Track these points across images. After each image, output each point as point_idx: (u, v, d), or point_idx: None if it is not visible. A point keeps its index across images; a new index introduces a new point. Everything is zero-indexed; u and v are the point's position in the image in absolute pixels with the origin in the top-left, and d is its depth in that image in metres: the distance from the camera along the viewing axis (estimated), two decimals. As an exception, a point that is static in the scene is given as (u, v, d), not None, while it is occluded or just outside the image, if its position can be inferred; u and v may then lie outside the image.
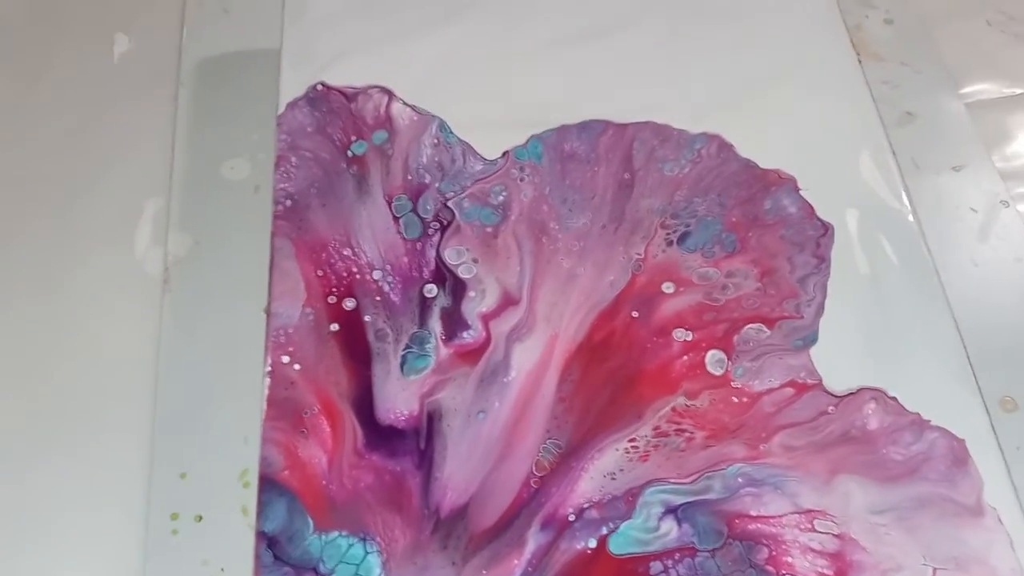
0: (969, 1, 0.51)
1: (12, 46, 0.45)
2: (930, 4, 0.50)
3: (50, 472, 0.35)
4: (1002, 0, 0.51)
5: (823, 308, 0.34)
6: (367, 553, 0.29)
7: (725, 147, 0.38)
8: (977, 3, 0.51)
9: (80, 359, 0.38)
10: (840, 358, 0.33)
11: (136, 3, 0.48)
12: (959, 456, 0.31)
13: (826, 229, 0.36)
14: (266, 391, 0.32)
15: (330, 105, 0.38)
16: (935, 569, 0.29)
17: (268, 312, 0.34)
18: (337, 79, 0.39)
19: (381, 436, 0.31)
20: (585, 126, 0.38)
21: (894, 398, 0.32)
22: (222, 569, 0.33)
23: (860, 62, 0.44)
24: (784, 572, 0.29)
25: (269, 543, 0.29)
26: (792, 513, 0.30)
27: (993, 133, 0.46)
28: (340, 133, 0.38)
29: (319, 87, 0.39)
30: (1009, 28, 0.50)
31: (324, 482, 0.30)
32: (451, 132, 0.38)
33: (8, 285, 0.40)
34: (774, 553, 0.29)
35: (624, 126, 0.38)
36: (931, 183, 0.44)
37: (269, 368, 0.32)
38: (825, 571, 0.29)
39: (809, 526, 0.30)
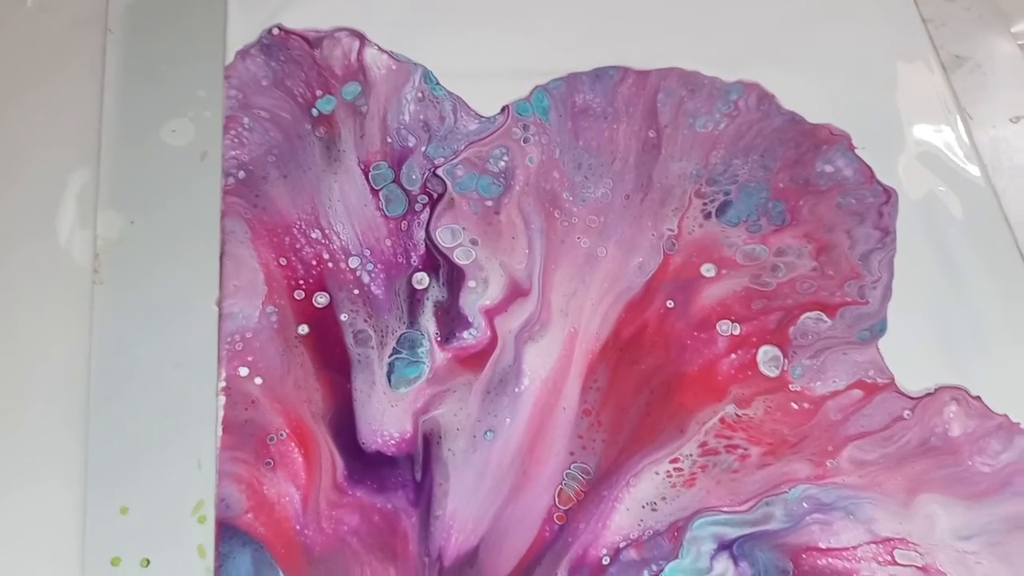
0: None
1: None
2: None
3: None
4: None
5: (891, 291, 0.29)
6: (355, 616, 0.23)
7: (766, 98, 0.32)
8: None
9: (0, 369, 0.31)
10: (912, 351, 0.28)
11: (51, -67, 0.40)
12: (1058, 466, 0.26)
13: (889, 195, 0.30)
14: (221, 412, 0.26)
15: (289, 53, 0.32)
16: (1039, 605, 0.25)
17: (220, 308, 0.27)
18: (297, 21, 0.32)
19: (367, 465, 0.25)
20: (599, 74, 0.32)
21: (978, 397, 0.27)
22: (177, 629, 0.27)
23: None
24: (864, 617, 0.24)
25: (231, 608, 0.23)
26: (869, 543, 0.25)
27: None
28: (302, 87, 0.31)
29: (275, 31, 0.32)
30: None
31: (298, 527, 0.24)
32: (438, 84, 0.31)
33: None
34: (851, 595, 0.24)
35: (646, 73, 0.32)
36: (988, 136, 0.38)
37: (223, 384, 0.26)
38: (912, 614, 0.24)
39: (889, 558, 0.25)
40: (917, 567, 0.25)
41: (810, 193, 0.30)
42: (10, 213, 0.34)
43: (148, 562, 0.28)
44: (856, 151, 0.31)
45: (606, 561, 0.24)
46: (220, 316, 0.27)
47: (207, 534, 0.28)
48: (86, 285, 0.33)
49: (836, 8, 0.34)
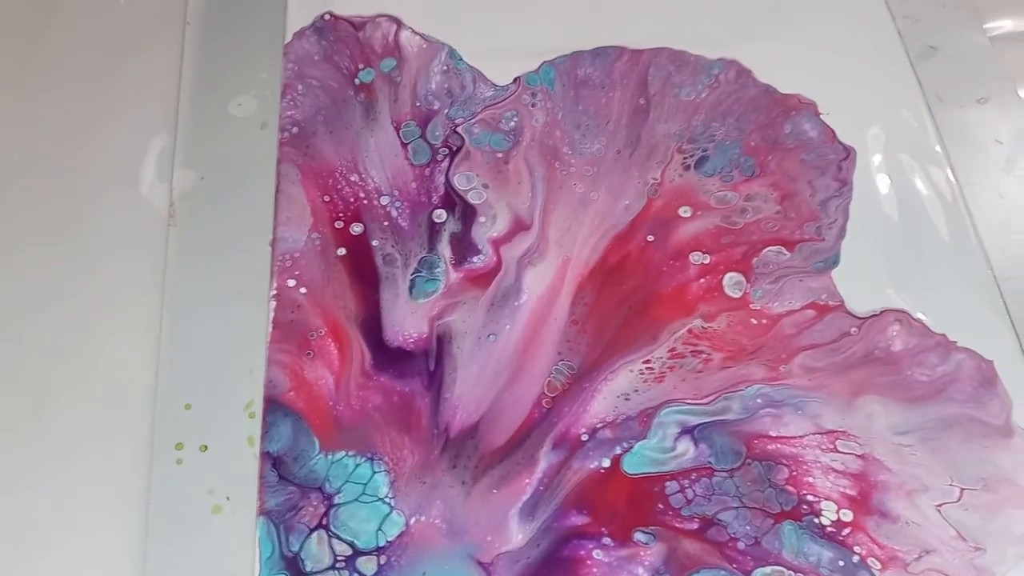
0: (996, -65, 0.49)
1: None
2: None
3: (55, 401, 0.35)
4: (1030, -66, 0.49)
5: (845, 231, 0.33)
6: (374, 472, 0.28)
7: (743, 72, 0.37)
8: (1004, -63, 0.49)
9: (87, 293, 0.37)
10: (863, 281, 0.32)
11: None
12: (987, 377, 0.30)
13: (848, 152, 0.35)
14: (271, 314, 0.31)
15: (337, 34, 0.38)
16: (962, 490, 0.28)
17: (273, 244, 0.33)
18: (345, 9, 0.38)
19: (389, 358, 0.30)
20: (599, 52, 0.37)
21: (919, 320, 0.31)
22: (228, 498, 0.32)
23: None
24: (805, 492, 0.28)
25: (274, 463, 0.29)
26: (813, 434, 0.29)
27: (1019, 66, 0.45)
28: (347, 61, 0.37)
29: (326, 17, 0.38)
30: (1037, -38, 0.48)
31: (331, 403, 0.29)
32: (461, 59, 0.37)
33: (19, 222, 0.39)
34: (794, 473, 0.28)
35: (639, 52, 0.37)
36: (955, 116, 0.42)
37: (275, 292, 0.32)
38: (848, 491, 0.28)
39: (831, 447, 0.29)
40: (856, 455, 0.29)
41: (778, 150, 0.35)
42: (103, 167, 0.41)
43: (206, 447, 0.33)
44: (821, 116, 0.36)
45: (584, 438, 0.29)
46: (274, 240, 0.33)
47: (256, 427, 0.33)
48: (162, 228, 0.39)
49: (812, -1, 0.39)
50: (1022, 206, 0.40)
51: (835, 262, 0.32)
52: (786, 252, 0.32)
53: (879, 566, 0.27)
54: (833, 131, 0.35)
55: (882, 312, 0.31)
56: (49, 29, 0.46)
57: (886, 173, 0.35)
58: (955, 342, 0.31)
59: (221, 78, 0.43)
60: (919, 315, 0.31)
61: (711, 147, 0.35)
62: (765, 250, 0.32)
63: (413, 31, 0.38)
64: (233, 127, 0.42)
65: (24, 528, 0.33)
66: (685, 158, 0.35)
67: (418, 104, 0.36)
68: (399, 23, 0.38)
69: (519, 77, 0.36)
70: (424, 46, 0.37)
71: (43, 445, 0.34)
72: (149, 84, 0.43)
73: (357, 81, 0.37)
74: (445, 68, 0.37)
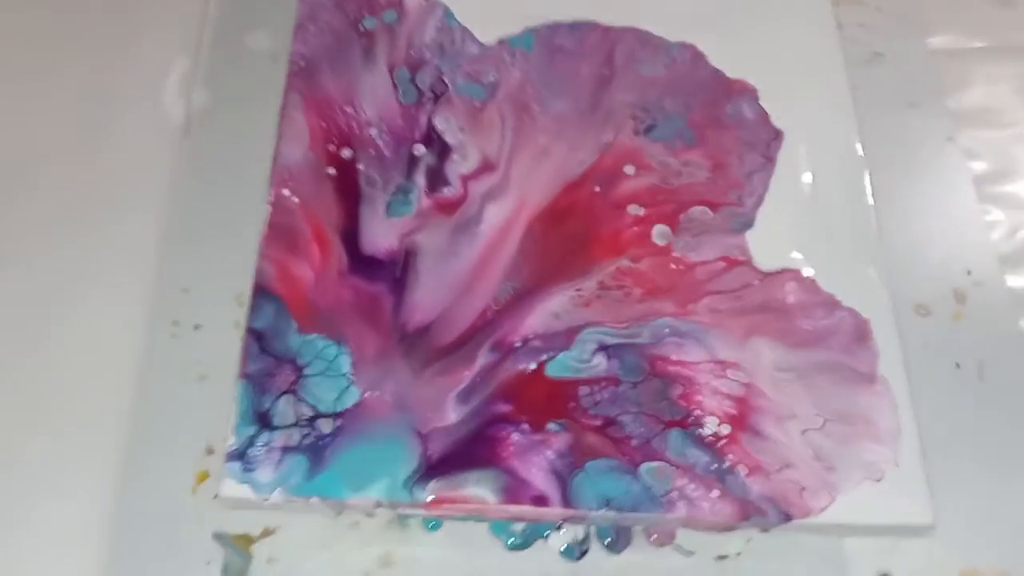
0: (952, -40, 0.54)
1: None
2: (915, -42, 0.54)
3: (70, 270, 0.40)
4: (984, -37, 0.54)
5: (763, 200, 0.39)
6: (339, 353, 0.34)
7: (698, 56, 0.42)
8: (959, -37, 0.54)
9: (108, 188, 0.43)
10: (771, 243, 0.38)
11: None
12: (862, 333, 0.36)
13: (777, 135, 0.40)
14: (267, 217, 0.37)
15: (348, -17, 0.43)
16: (825, 420, 0.34)
17: (276, 148, 0.38)
18: (356, -39, 0.43)
19: (363, 264, 0.36)
20: (576, 25, 0.42)
21: (813, 280, 0.37)
22: (213, 368, 0.38)
23: (836, 2, 0.48)
24: (694, 407, 0.34)
25: (257, 337, 0.34)
26: (708, 362, 0.35)
27: (952, 79, 0.50)
28: (355, 9, 0.42)
29: (339, -33, 0.43)
30: (985, -11, 0.53)
31: (309, 294, 0.35)
32: (454, 18, 0.42)
33: (54, 126, 0.45)
34: (687, 391, 0.34)
35: (611, 29, 0.42)
36: (888, 114, 0.48)
37: (271, 198, 0.37)
38: (730, 410, 0.34)
39: (722, 373, 0.35)
40: (742, 383, 0.35)
41: (718, 127, 0.40)
42: (129, 83, 0.46)
43: (198, 327, 0.39)
44: (759, 102, 0.41)
45: (518, 345, 0.34)
46: (276, 154, 0.38)
47: (243, 314, 0.39)
48: (178, 138, 0.44)
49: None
50: (925, 199, 0.46)
51: (749, 225, 0.38)
52: (710, 212, 0.38)
53: (746, 472, 0.33)
54: (768, 115, 0.41)
55: (782, 271, 0.37)
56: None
57: (806, 156, 0.40)
58: (840, 301, 0.36)
59: (240, 13, 0.48)
60: (813, 276, 0.37)
61: (660, 117, 0.40)
62: (692, 208, 0.38)
63: (415, -11, 0.43)
64: (247, 57, 0.47)
65: (33, 379, 0.39)
66: (637, 124, 0.40)
67: (412, 53, 0.41)
68: (403, -20, 0.43)
69: (503, 39, 0.42)
70: (423, 3, 0.42)
71: (56, 308, 0.40)
72: (175, 12, 0.48)
73: (361, 27, 0.42)
74: (439, 25, 0.42)
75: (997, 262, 0.45)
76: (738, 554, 0.37)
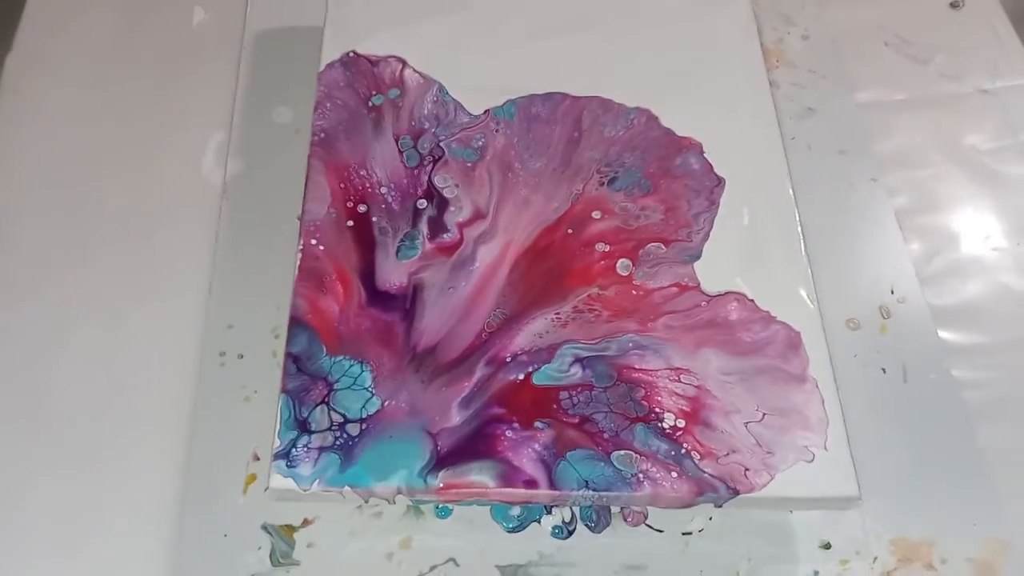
0: (873, 25, 0.63)
1: (115, 15, 0.58)
2: (840, 25, 0.63)
3: (133, 313, 0.48)
4: (900, 26, 0.63)
5: (708, 236, 0.46)
6: (362, 371, 0.41)
7: (652, 119, 0.50)
8: (879, 27, 0.63)
9: (159, 245, 0.51)
10: (716, 271, 0.45)
11: (210, -16, 0.61)
12: (794, 342, 0.43)
13: (719, 181, 0.48)
14: (298, 262, 0.44)
15: (358, 68, 0.51)
16: (764, 414, 0.41)
17: (300, 218, 0.46)
18: (365, 49, 0.52)
19: (379, 298, 0.43)
20: (549, 96, 0.51)
21: (752, 300, 0.44)
22: (256, 391, 0.45)
23: (776, 66, 0.57)
24: (654, 406, 0.41)
25: (294, 360, 0.42)
26: (665, 369, 0.42)
27: (876, 128, 0.59)
28: (364, 88, 0.50)
29: (351, 54, 0.51)
30: (901, 49, 0.62)
31: (336, 323, 0.42)
32: (447, 93, 0.50)
33: (110, 194, 0.53)
34: (649, 393, 0.41)
35: (578, 98, 0.51)
36: (820, 160, 0.56)
37: (301, 247, 0.45)
38: (684, 408, 0.41)
39: (676, 378, 0.42)
40: (694, 386, 0.42)
41: (669, 176, 0.48)
42: (174, 155, 0.54)
43: (242, 356, 0.47)
44: (704, 154, 0.49)
45: (508, 360, 0.42)
46: (303, 212, 0.46)
47: (279, 346, 0.47)
48: (217, 198, 0.52)
49: (709, 67, 0.53)
50: (852, 231, 0.54)
51: (697, 257, 0.46)
52: (664, 247, 0.46)
53: (699, 457, 0.40)
54: (711, 165, 0.49)
55: (726, 293, 0.45)
56: (134, 46, 0.59)
57: (745, 198, 0.48)
58: (775, 317, 0.44)
59: (267, 93, 0.57)
60: (752, 297, 0.45)
61: (621, 171, 0.48)
62: (649, 245, 0.46)
63: (414, 70, 0.51)
64: (273, 130, 0.55)
65: (107, 402, 0.46)
66: (601, 177, 0.48)
67: (413, 123, 0.49)
68: (404, 63, 0.51)
69: (488, 109, 0.50)
70: (421, 81, 0.51)
71: (122, 346, 0.47)
72: (211, 93, 0.57)
73: (370, 103, 0.50)
74: (435, 99, 0.50)
75: (917, 282, 0.53)
76: (700, 530, 0.44)
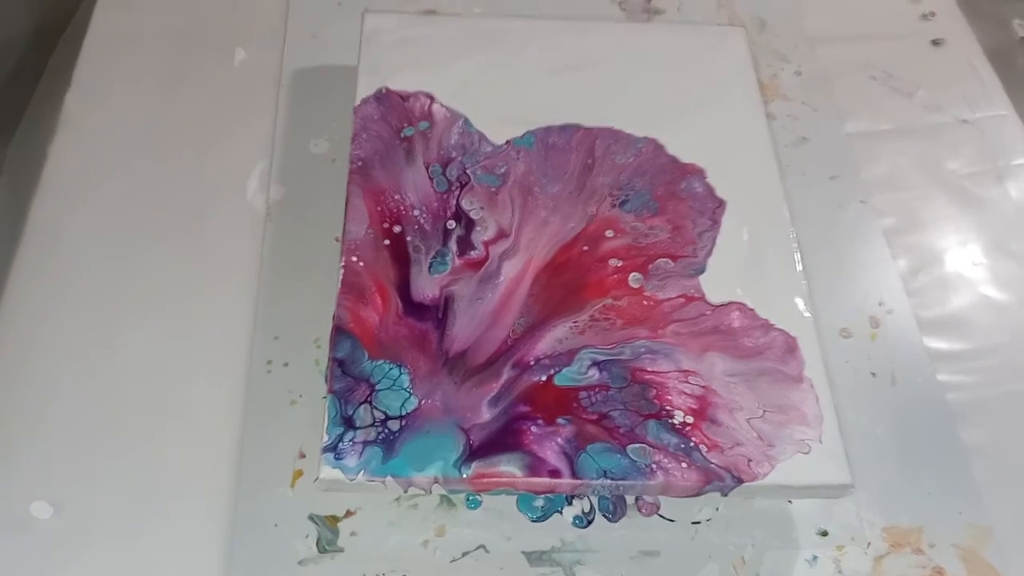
0: (860, 62, 0.69)
1: (166, 56, 0.64)
2: (831, 62, 0.68)
3: (188, 326, 0.52)
4: (886, 62, 0.69)
5: (712, 252, 0.51)
6: (401, 374, 0.46)
7: (659, 147, 0.55)
8: (866, 63, 0.68)
9: (209, 266, 0.55)
10: (719, 284, 0.50)
11: (251, 27, 0.66)
12: (791, 347, 0.48)
13: (720, 203, 0.53)
14: (341, 277, 0.49)
15: (391, 102, 0.56)
16: (765, 411, 0.46)
17: (341, 238, 0.51)
18: (396, 86, 0.57)
19: (414, 309, 0.48)
20: (564, 127, 0.56)
21: (752, 309, 0.49)
22: (300, 395, 0.50)
23: (771, 99, 0.62)
24: (665, 404, 0.45)
25: (339, 364, 0.46)
26: (674, 371, 0.47)
27: (865, 156, 0.64)
28: (396, 121, 0.55)
29: (384, 90, 0.57)
30: (887, 83, 0.67)
31: (376, 331, 0.47)
32: (472, 125, 0.55)
33: (164, 220, 0.57)
34: (660, 393, 0.46)
35: (591, 129, 0.56)
36: (813, 185, 0.61)
37: (344, 263, 0.49)
38: (692, 406, 0.46)
39: (685, 380, 0.46)
40: (700, 386, 0.46)
41: (675, 199, 0.53)
42: (222, 182, 0.59)
43: (287, 364, 0.51)
44: (707, 179, 0.54)
45: (532, 363, 0.46)
46: (344, 232, 0.50)
47: (322, 355, 0.51)
48: (261, 222, 0.57)
49: (710, 101, 0.58)
50: (843, 249, 0.59)
51: (703, 271, 0.50)
52: (671, 262, 0.50)
53: (706, 449, 0.44)
54: (713, 188, 0.53)
55: (729, 303, 0.49)
56: (182, 83, 0.64)
57: (744, 218, 0.53)
58: (773, 324, 0.49)
59: (305, 125, 0.62)
60: (753, 307, 0.49)
61: (631, 194, 0.53)
62: (658, 260, 0.50)
63: (441, 104, 0.56)
64: (310, 160, 0.60)
65: (167, 406, 0.50)
66: (613, 200, 0.53)
67: (441, 153, 0.54)
68: (432, 98, 0.57)
69: (510, 140, 0.55)
70: (448, 115, 0.56)
71: (180, 356, 0.52)
72: (253, 125, 0.62)
73: (402, 135, 0.55)
74: (461, 131, 0.55)
75: (904, 295, 0.57)
76: (708, 520, 0.48)
